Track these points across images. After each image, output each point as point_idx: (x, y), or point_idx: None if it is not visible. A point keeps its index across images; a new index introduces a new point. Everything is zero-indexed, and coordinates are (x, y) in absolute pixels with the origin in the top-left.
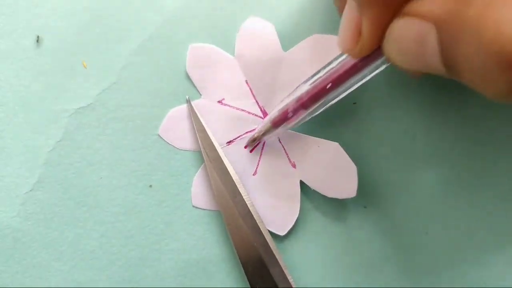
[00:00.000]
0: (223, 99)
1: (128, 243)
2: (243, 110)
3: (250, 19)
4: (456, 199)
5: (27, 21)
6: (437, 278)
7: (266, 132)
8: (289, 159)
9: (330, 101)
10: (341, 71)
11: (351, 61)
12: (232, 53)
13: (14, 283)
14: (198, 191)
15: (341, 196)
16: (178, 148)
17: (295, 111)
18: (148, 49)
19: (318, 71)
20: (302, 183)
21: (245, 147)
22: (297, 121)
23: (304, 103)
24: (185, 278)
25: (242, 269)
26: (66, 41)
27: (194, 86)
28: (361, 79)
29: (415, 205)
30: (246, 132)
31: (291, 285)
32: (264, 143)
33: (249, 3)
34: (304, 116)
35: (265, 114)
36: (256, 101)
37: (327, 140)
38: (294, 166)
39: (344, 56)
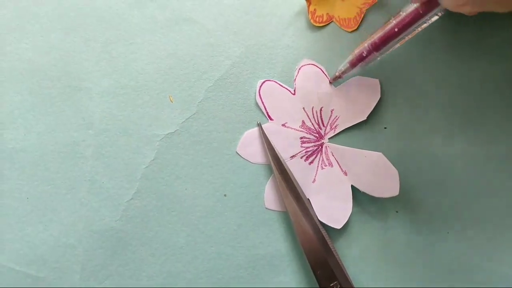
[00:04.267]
0: (286, 122)
1: (208, 241)
2: (301, 131)
3: (304, 60)
4: (475, 204)
5: (126, 65)
6: (453, 269)
7: (345, 71)
8: (341, 168)
9: (396, 44)
10: (406, 19)
11: (415, 10)
12: (290, 86)
13: (117, 274)
14: (269, 196)
15: (386, 195)
16: (252, 163)
17: (369, 52)
18: (221, 86)
19: (389, 22)
20: (352, 187)
21: (330, 82)
22: (370, 61)
23: (376, 46)
24: (254, 269)
25: (304, 260)
26: (156, 81)
27: (261, 113)
28: (421, 25)
29: (437, 210)
30: (305, 148)
31: (344, 272)
32: (321, 156)
33: (301, 50)
34: (375, 56)
35: (319, 134)
36: (312, 124)
37: (371, 151)
38: (345, 174)
39: (409, 8)
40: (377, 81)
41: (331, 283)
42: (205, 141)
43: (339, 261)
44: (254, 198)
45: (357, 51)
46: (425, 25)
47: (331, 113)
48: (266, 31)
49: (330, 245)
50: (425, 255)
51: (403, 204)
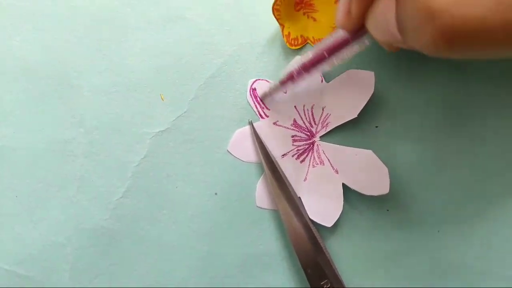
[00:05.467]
0: (277, 121)
1: (199, 240)
2: (293, 129)
3: (297, 58)
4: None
5: (118, 62)
6: (444, 267)
7: (275, 89)
8: (332, 166)
9: (326, 68)
10: (335, 44)
11: (343, 36)
12: None
13: (107, 273)
14: (260, 194)
15: (377, 193)
16: (243, 161)
17: (299, 73)
18: (212, 84)
19: (319, 44)
20: (344, 185)
21: (261, 100)
22: (300, 81)
23: (306, 67)
24: (245, 268)
25: (295, 259)
26: (148, 79)
27: (252, 112)
28: (351, 52)
29: (428, 209)
30: (297, 147)
31: (335, 271)
32: (312, 155)
33: (293, 49)
34: (305, 77)
35: (311, 132)
36: (303, 122)
37: (362, 149)
38: (337, 172)
39: (339, 33)
40: (371, 73)
41: (321, 281)
42: (196, 139)
43: (329, 260)
44: (245, 196)
45: (287, 71)
46: (354, 50)
47: (323, 110)
48: (259, 30)
49: (321, 244)
50: (416, 253)
51: (394, 202)
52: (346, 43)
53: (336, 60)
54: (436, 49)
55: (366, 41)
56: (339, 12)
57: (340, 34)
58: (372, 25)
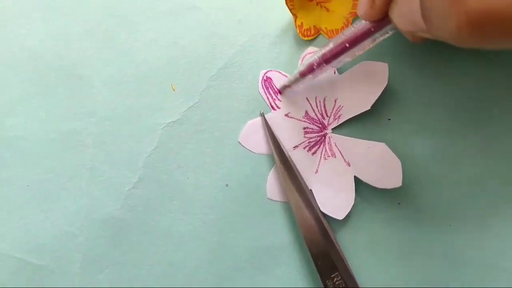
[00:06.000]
0: (289, 112)
1: (209, 231)
2: (304, 121)
3: (309, 49)
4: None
5: (128, 52)
6: (456, 262)
7: (295, 81)
8: (344, 159)
9: (347, 59)
10: (357, 34)
11: (366, 26)
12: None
13: (118, 263)
14: (271, 187)
15: (389, 186)
16: (255, 153)
17: (319, 65)
18: (224, 75)
19: (340, 34)
20: (355, 178)
21: (279, 92)
22: (320, 73)
23: (327, 59)
24: (255, 259)
25: (305, 251)
26: (158, 70)
27: (264, 103)
28: (373, 42)
29: (440, 203)
30: (308, 139)
31: (345, 263)
32: (324, 147)
33: (305, 40)
34: (326, 69)
35: (322, 124)
36: (315, 114)
37: (375, 142)
38: (348, 164)
39: (361, 24)
40: (385, 65)
41: (332, 274)
42: (208, 130)
43: (340, 252)
44: (256, 188)
45: (307, 62)
46: (376, 41)
47: (335, 102)
48: (271, 20)
49: (331, 236)
50: (427, 247)
51: (406, 196)
52: (369, 33)
53: (358, 51)
54: (461, 36)
55: (389, 31)
56: (362, 2)
57: (362, 24)
58: (396, 14)
